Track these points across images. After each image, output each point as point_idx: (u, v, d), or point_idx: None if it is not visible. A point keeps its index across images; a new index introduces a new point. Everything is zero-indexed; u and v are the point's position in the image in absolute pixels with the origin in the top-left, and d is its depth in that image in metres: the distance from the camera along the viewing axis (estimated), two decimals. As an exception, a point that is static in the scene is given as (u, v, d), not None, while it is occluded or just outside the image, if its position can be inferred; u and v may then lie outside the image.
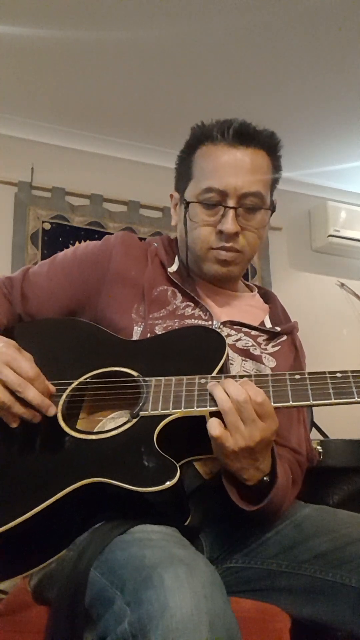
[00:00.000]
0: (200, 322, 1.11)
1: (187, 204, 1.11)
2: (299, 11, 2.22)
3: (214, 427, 0.85)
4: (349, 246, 3.43)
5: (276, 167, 1.15)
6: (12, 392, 0.88)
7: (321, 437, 2.59)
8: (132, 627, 0.64)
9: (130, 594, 0.67)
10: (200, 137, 1.12)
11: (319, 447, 2.24)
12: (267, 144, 1.12)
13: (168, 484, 0.80)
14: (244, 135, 1.08)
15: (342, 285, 3.52)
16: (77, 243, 3.07)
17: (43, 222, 2.90)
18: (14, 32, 2.33)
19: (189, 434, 0.91)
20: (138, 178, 3.14)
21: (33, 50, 2.44)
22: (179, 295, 1.14)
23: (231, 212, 1.07)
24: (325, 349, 3.15)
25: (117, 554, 0.76)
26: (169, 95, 2.73)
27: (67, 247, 1.24)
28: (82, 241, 2.98)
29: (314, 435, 2.58)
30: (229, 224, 1.07)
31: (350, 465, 2.28)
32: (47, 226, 2.90)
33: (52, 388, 0.94)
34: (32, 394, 0.88)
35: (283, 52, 2.46)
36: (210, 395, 0.89)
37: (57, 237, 2.90)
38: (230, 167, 1.07)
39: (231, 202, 1.08)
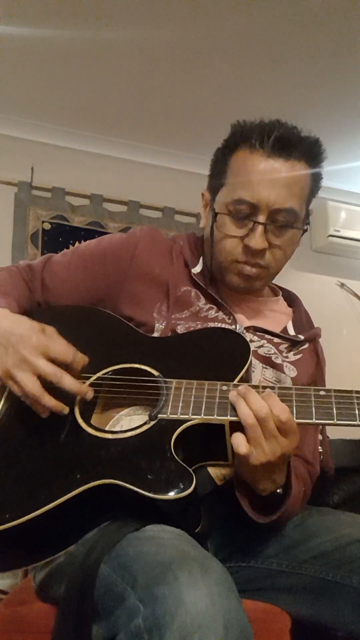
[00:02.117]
0: (224, 325, 1.08)
1: (216, 214, 1.07)
2: (300, 12, 2.22)
3: (240, 444, 0.83)
4: (349, 246, 3.43)
5: (316, 179, 1.10)
6: (45, 382, 0.88)
7: (321, 437, 2.59)
8: (147, 622, 0.64)
9: (142, 590, 0.67)
10: (239, 139, 1.06)
11: (319, 447, 2.24)
12: (309, 154, 1.06)
13: (183, 493, 0.79)
14: (286, 145, 1.02)
15: (342, 285, 3.52)
16: (77, 243, 3.08)
17: (43, 222, 2.90)
18: (14, 32, 2.33)
19: (206, 440, 0.90)
20: (138, 178, 3.14)
21: (33, 50, 2.44)
22: (202, 297, 1.11)
23: (260, 228, 1.03)
24: (325, 349, 3.14)
25: (128, 550, 0.76)
26: (169, 96, 2.73)
27: (67, 247, 1.24)
28: (82, 241, 2.97)
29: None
30: (257, 241, 1.03)
31: (350, 465, 2.28)
32: (47, 226, 2.90)
33: (86, 359, 0.93)
34: (69, 382, 0.88)
35: (283, 53, 2.46)
36: (232, 404, 0.87)
37: (57, 237, 2.90)
38: (265, 180, 1.02)
39: (261, 218, 1.03)
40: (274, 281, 1.24)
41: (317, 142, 1.07)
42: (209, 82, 2.64)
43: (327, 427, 1.14)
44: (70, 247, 1.23)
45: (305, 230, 1.11)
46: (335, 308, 3.48)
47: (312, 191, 1.11)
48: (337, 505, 2.19)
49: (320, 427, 1.15)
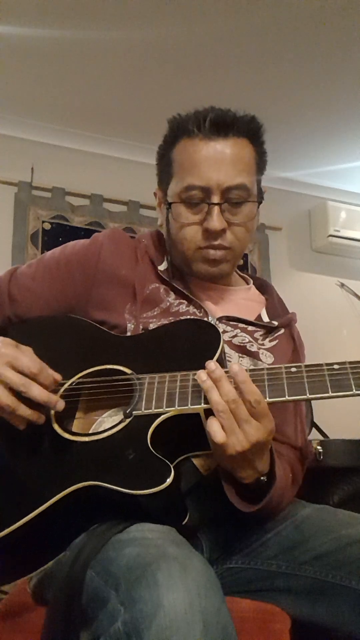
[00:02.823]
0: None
1: (169, 204, 1.08)
2: (299, 11, 2.22)
3: (216, 432, 0.83)
4: (349, 246, 3.43)
5: (260, 153, 1.10)
6: (16, 393, 0.87)
7: (321, 437, 2.59)
8: (126, 626, 0.63)
9: (123, 593, 0.67)
10: (177, 131, 1.08)
11: (319, 447, 2.24)
12: (247, 130, 1.07)
13: (161, 486, 0.79)
14: (222, 125, 1.04)
15: (342, 285, 3.52)
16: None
17: (43, 222, 2.90)
18: (14, 32, 2.33)
19: (185, 431, 0.90)
20: (138, 178, 3.13)
21: (33, 50, 2.44)
22: (171, 292, 1.11)
23: (216, 209, 1.03)
24: (325, 349, 3.14)
25: (111, 553, 0.75)
26: (168, 95, 2.73)
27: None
28: (82, 241, 2.99)
29: (314, 435, 2.58)
30: (214, 222, 1.03)
31: (350, 465, 2.28)
32: (47, 226, 2.90)
33: (58, 376, 0.92)
34: (37, 392, 0.87)
35: (283, 52, 2.46)
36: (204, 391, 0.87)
37: (57, 237, 2.90)
38: (211, 161, 1.03)
39: (215, 198, 1.03)
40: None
41: (253, 118, 1.09)
42: (208, 82, 2.64)
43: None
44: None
45: (261, 201, 1.11)
46: (335, 308, 3.48)
47: (259, 166, 1.11)
48: (337, 505, 2.18)
49: (301, 412, 1.14)
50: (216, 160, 1.03)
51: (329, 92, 2.72)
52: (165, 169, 1.12)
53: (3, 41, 2.38)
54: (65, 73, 2.59)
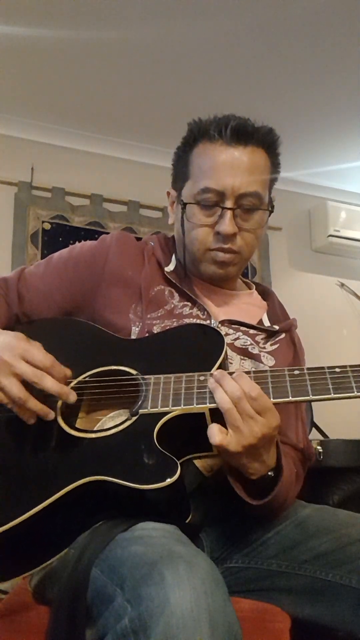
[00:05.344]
0: (198, 321, 1.10)
1: (184, 204, 1.10)
2: (300, 11, 2.22)
3: (213, 434, 0.84)
4: (349, 246, 3.43)
5: (275, 164, 1.14)
6: (28, 386, 0.88)
7: (321, 437, 2.59)
8: (133, 623, 0.64)
9: (130, 591, 0.67)
10: (197, 134, 1.11)
11: (319, 447, 2.24)
12: (265, 141, 1.10)
13: (168, 480, 0.80)
14: (242, 133, 1.07)
15: (342, 285, 3.52)
16: (77, 243, 3.08)
17: (43, 222, 2.90)
18: (14, 32, 2.33)
19: (189, 432, 0.91)
20: (138, 178, 3.15)
21: (33, 50, 2.44)
22: (176, 294, 1.13)
23: (229, 213, 1.06)
24: (325, 349, 3.15)
25: (117, 551, 0.76)
26: (168, 95, 2.73)
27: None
28: (82, 241, 2.98)
29: (314, 435, 2.58)
30: (227, 225, 1.06)
31: (350, 465, 2.29)
32: (47, 226, 2.90)
33: (69, 371, 0.93)
34: (50, 383, 0.88)
35: (283, 52, 2.46)
36: (210, 392, 0.88)
37: (57, 237, 2.90)
38: (228, 167, 1.06)
39: (229, 203, 1.06)
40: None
41: (271, 130, 1.12)
42: (208, 82, 2.64)
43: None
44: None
45: (272, 211, 1.14)
46: (335, 308, 3.48)
47: (272, 178, 1.15)
48: (337, 505, 2.19)
49: (302, 415, 1.16)
50: (234, 166, 1.06)
51: (328, 92, 2.72)
52: (181, 170, 1.14)
53: (3, 41, 2.38)
54: (65, 73, 2.59)
